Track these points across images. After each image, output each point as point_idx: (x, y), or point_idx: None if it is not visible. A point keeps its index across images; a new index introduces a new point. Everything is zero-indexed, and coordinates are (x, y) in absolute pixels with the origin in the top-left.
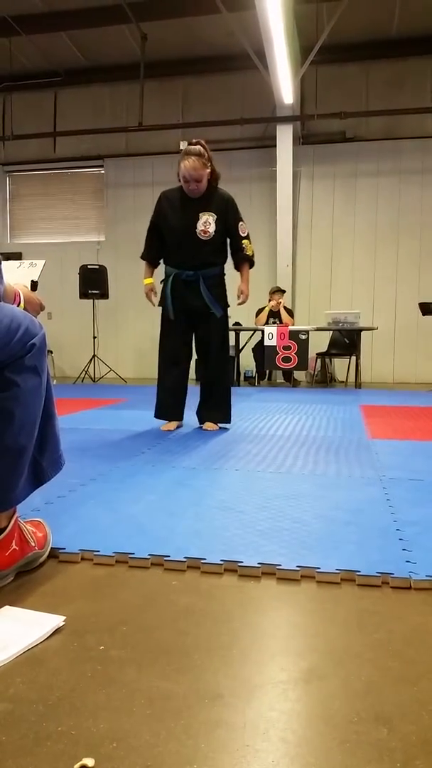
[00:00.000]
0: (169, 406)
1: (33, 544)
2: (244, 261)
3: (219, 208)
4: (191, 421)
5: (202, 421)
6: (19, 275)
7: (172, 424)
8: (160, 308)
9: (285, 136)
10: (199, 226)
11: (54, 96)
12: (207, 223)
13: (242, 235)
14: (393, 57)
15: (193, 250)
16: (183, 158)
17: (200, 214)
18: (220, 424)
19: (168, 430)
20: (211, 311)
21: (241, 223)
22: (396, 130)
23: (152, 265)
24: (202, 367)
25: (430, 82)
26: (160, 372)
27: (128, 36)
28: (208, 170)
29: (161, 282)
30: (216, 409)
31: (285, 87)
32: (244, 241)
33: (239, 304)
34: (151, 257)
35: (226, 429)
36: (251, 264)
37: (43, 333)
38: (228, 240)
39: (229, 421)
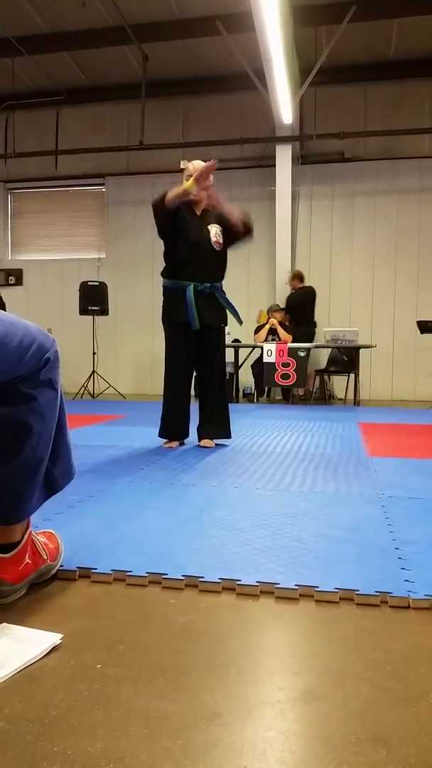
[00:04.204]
0: (177, 426)
1: (45, 556)
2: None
3: (218, 220)
4: (190, 438)
5: (202, 438)
6: None
7: (175, 442)
8: (159, 325)
9: (284, 156)
10: (212, 237)
11: (56, 115)
12: (217, 234)
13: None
14: (391, 79)
15: (209, 262)
16: (190, 165)
17: (209, 226)
18: (224, 440)
19: (170, 447)
20: (221, 325)
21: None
22: (394, 151)
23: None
24: (203, 383)
25: (427, 103)
26: (168, 390)
27: (130, 56)
28: (210, 183)
29: (166, 294)
30: (220, 426)
31: (284, 107)
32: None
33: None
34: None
35: (225, 446)
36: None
37: (56, 347)
38: (229, 241)
39: (230, 437)
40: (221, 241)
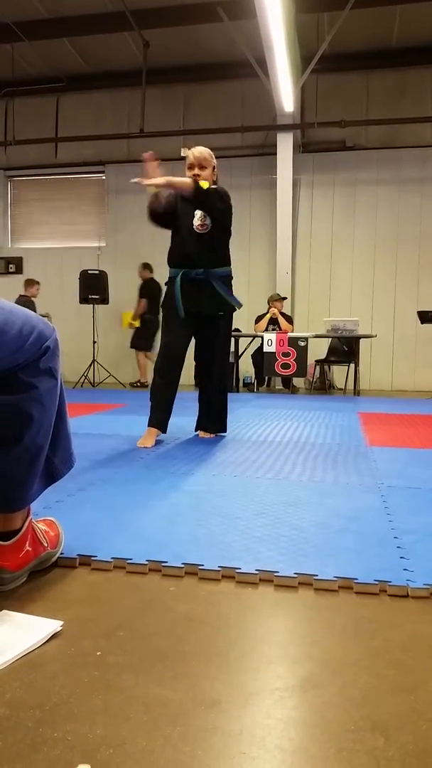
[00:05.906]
0: (154, 413)
1: (45, 544)
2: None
3: None
4: (189, 427)
5: (199, 428)
6: None
7: (152, 439)
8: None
9: (285, 144)
10: (195, 222)
11: (56, 102)
12: (201, 218)
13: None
14: (393, 66)
15: (195, 248)
16: (190, 153)
17: (196, 211)
18: (219, 434)
19: (144, 446)
20: (220, 313)
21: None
22: (395, 139)
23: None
24: (203, 373)
25: (430, 92)
26: (156, 381)
27: (130, 43)
28: (213, 170)
29: (165, 284)
30: (216, 419)
31: (285, 95)
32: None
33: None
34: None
35: (224, 435)
36: (195, 189)
37: (56, 335)
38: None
39: (225, 431)
40: (207, 223)
